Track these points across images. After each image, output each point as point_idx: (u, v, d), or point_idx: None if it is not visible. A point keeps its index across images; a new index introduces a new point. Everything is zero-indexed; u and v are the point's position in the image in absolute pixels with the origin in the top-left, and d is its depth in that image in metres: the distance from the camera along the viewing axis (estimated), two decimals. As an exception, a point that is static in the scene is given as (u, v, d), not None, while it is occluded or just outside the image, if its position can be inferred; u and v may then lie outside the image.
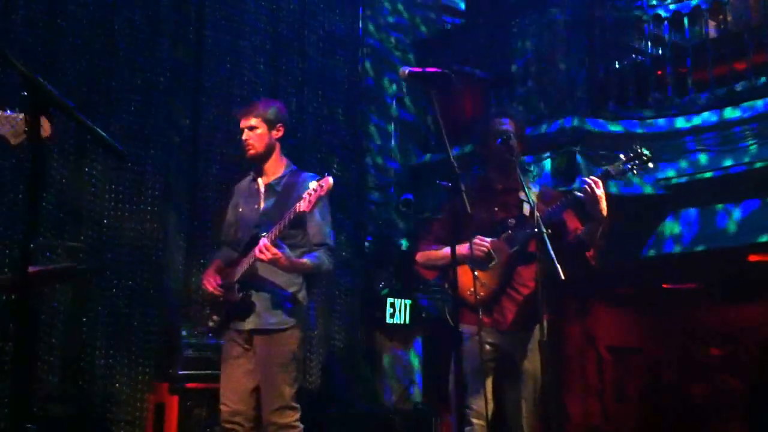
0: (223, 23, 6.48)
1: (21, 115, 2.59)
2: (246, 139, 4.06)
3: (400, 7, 8.21)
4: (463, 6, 8.92)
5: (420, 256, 4.18)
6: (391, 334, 7.30)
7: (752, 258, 6.91)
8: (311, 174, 3.96)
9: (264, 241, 3.68)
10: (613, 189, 6.07)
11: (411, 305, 7.29)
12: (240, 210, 4.15)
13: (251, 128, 4.05)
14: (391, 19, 8.11)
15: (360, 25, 7.59)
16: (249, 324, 3.91)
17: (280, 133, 4.11)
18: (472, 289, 3.83)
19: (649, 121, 6.39)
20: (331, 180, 3.58)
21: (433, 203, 7.28)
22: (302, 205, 3.55)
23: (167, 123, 6.00)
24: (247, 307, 3.90)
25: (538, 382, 3.88)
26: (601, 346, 9.00)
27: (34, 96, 2.14)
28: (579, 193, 3.76)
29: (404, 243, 7.45)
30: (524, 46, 7.09)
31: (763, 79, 5.98)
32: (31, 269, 2.22)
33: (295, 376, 3.91)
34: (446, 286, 4.07)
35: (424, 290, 7.39)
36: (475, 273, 3.79)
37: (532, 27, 7.06)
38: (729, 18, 6.54)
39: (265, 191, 4.08)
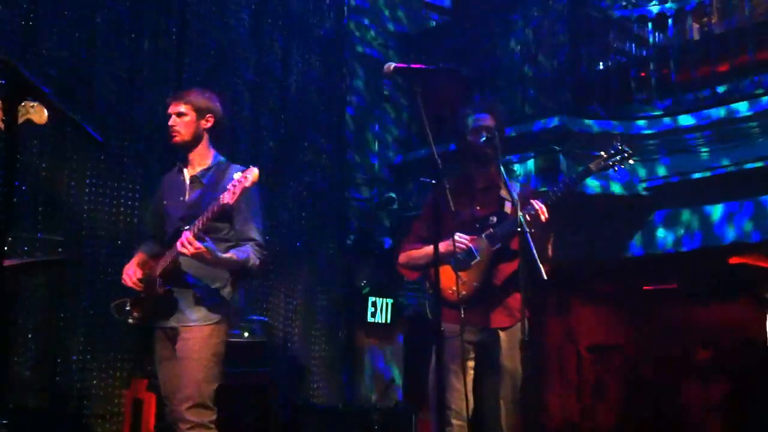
0: (207, 14, 6.43)
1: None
2: (172, 125, 3.91)
3: (383, 3, 8.18)
4: (448, 3, 8.89)
5: (402, 257, 4.16)
6: (372, 333, 7.28)
7: (733, 260, 6.93)
8: (239, 166, 3.81)
9: (186, 234, 3.53)
10: (597, 189, 6.09)
11: (392, 304, 7.27)
12: (165, 202, 3.99)
13: (179, 114, 3.91)
14: (374, 16, 8.07)
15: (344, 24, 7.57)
16: (172, 321, 3.77)
17: (209, 124, 3.96)
18: (453, 288, 3.81)
19: (632, 121, 6.39)
20: (256, 171, 3.45)
21: (415, 201, 7.27)
22: (226, 197, 3.42)
23: (147, 115, 5.94)
24: (170, 303, 3.75)
25: (518, 380, 3.88)
26: (581, 344, 9.03)
27: (11, 82, 2.09)
28: (527, 217, 3.73)
29: (386, 240, 7.42)
30: (508, 45, 7.08)
31: (746, 80, 5.99)
32: (7, 262, 2.17)
33: (214, 374, 3.73)
34: (427, 285, 4.05)
35: (406, 289, 7.38)
36: (457, 271, 3.77)
37: (516, 26, 7.06)
38: (714, 20, 6.55)
39: (190, 183, 3.94)
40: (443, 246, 3.63)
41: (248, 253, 3.76)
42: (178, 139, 3.93)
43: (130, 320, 3.88)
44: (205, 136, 3.98)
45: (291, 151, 6.87)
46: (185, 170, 3.98)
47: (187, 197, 3.91)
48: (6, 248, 2.11)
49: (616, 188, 6.24)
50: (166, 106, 3.99)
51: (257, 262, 3.79)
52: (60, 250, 5.35)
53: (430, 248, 3.54)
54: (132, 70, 5.90)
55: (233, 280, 3.84)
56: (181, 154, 4.00)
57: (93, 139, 2.41)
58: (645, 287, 8.55)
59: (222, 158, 4.03)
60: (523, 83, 6.95)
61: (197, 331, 3.73)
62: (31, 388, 5.18)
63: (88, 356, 5.45)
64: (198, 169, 3.95)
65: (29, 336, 5.21)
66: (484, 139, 3.93)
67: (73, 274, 5.46)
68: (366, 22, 7.95)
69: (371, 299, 7.17)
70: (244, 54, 6.65)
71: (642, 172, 6.29)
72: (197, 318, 3.74)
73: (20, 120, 2.45)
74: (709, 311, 8.11)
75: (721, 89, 6.10)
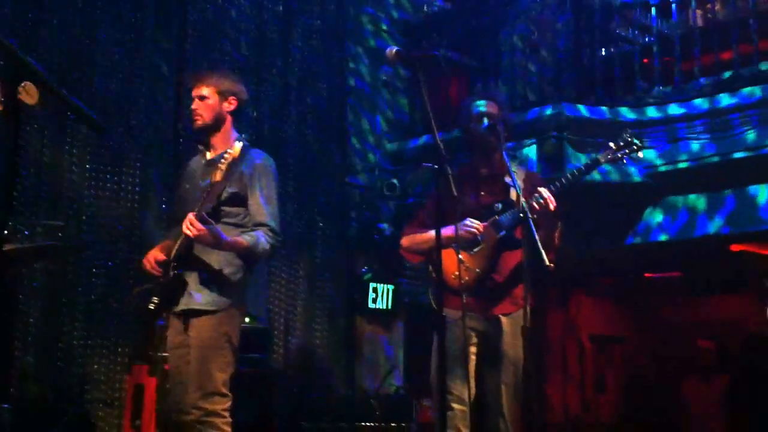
0: (207, 3, 6.41)
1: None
2: (195, 109, 3.84)
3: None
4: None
5: (405, 240, 4.15)
6: (373, 319, 7.28)
7: (734, 248, 6.92)
8: (259, 150, 3.81)
9: (190, 216, 3.47)
10: (598, 177, 6.07)
11: (393, 290, 7.26)
12: (186, 186, 3.93)
13: (202, 98, 3.83)
14: (376, 3, 8.03)
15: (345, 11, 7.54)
16: (182, 305, 3.70)
17: (233, 106, 3.87)
18: (456, 273, 3.80)
19: (634, 108, 6.37)
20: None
21: (417, 188, 7.26)
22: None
23: (149, 102, 5.93)
24: (180, 287, 3.68)
25: (520, 368, 3.87)
26: (582, 334, 9.03)
27: (9, 65, 2.07)
28: (534, 204, 3.72)
29: (387, 227, 7.40)
30: (512, 32, 7.05)
31: (750, 68, 5.97)
32: (7, 247, 2.16)
33: (228, 361, 3.67)
34: (430, 269, 4.04)
35: (407, 275, 7.37)
36: (460, 257, 3.76)
37: (520, 13, 7.03)
38: (717, 7, 6.51)
39: (206, 166, 3.85)
40: (448, 231, 3.62)
41: (258, 238, 3.67)
42: (200, 122, 3.84)
43: (151, 306, 3.75)
44: (228, 119, 3.88)
45: (292, 138, 6.86)
46: (208, 154, 3.91)
47: (203, 180, 3.80)
48: (6, 233, 2.10)
49: (617, 176, 6.22)
50: (189, 89, 3.92)
51: (267, 247, 3.68)
52: (60, 235, 5.34)
53: (433, 232, 3.52)
54: (132, 58, 5.88)
55: (246, 266, 3.77)
56: (203, 137, 3.92)
57: (92, 122, 2.39)
58: (647, 274, 8.54)
59: (245, 142, 3.86)
60: (525, 70, 6.93)
61: (208, 319, 3.66)
62: (33, 373, 5.19)
63: (89, 342, 5.46)
64: (219, 153, 3.82)
65: (30, 321, 5.22)
66: (486, 126, 3.92)
67: (74, 259, 5.46)
68: (368, 9, 7.91)
69: (372, 285, 7.17)
70: (244, 42, 6.62)
71: (644, 160, 6.27)
72: (205, 302, 3.67)
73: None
74: (710, 303, 8.12)
75: (725, 76, 6.07)
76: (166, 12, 6.14)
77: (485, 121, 3.94)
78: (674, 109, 6.23)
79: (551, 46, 6.74)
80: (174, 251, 3.67)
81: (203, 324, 3.66)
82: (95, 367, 5.45)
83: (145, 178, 5.84)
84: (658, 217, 6.46)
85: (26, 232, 5.14)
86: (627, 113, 6.35)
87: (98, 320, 5.50)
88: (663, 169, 6.23)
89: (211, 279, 3.68)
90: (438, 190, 3.32)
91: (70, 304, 5.41)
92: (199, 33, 6.32)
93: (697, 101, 6.12)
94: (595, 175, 6.00)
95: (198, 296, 3.67)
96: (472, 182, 4.04)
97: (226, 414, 3.63)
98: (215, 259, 3.69)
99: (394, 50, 3.42)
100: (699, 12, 6.77)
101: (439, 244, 3.26)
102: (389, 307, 7.24)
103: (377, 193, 7.48)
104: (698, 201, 6.26)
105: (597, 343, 9.10)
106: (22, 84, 2.01)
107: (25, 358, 5.17)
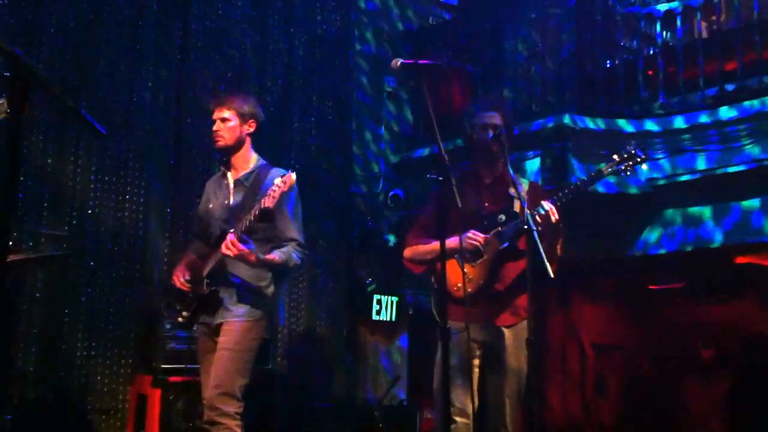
0: (210, 12, 6.42)
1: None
2: (216, 130, 4.06)
3: (389, 1, 8.15)
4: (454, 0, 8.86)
5: (408, 251, 4.15)
6: (376, 330, 7.26)
7: (739, 260, 6.90)
8: (279, 169, 4.00)
9: (231, 237, 3.69)
10: (601, 188, 6.06)
11: (397, 302, 7.25)
12: (210, 205, 4.14)
13: (223, 120, 4.06)
14: (379, 14, 8.04)
15: (349, 17, 7.55)
16: (217, 317, 3.91)
17: (252, 128, 4.12)
18: (458, 284, 3.80)
19: (638, 120, 6.36)
20: (293, 176, 3.61)
21: (421, 199, 7.24)
22: (267, 201, 3.57)
23: (152, 111, 5.94)
24: (216, 302, 3.90)
25: (523, 379, 3.86)
26: (584, 340, 9.01)
27: (15, 74, 2.07)
28: (537, 218, 3.73)
29: (391, 238, 7.40)
30: (515, 41, 7.06)
31: (754, 79, 5.96)
32: (11, 257, 2.15)
33: (247, 369, 3.87)
34: (432, 280, 4.03)
35: (411, 286, 7.35)
36: (464, 269, 3.75)
37: (523, 23, 7.03)
38: (722, 17, 6.51)
39: (234, 186, 4.08)
40: (451, 242, 3.62)
41: (289, 254, 3.91)
42: (221, 143, 4.08)
43: (180, 319, 4.04)
44: (248, 141, 4.14)
45: (294, 147, 6.86)
46: (228, 174, 4.13)
47: (231, 201, 4.06)
48: (11, 243, 2.09)
49: (621, 187, 6.21)
50: (210, 112, 4.13)
51: (298, 261, 3.95)
52: (65, 245, 5.34)
53: (437, 243, 3.52)
54: (135, 67, 5.88)
55: (276, 279, 3.99)
56: (224, 158, 4.15)
57: (96, 131, 2.40)
58: (651, 286, 8.53)
59: (263, 161, 4.17)
60: (529, 80, 6.93)
61: (238, 325, 3.86)
62: (35, 383, 5.17)
63: (92, 351, 5.44)
64: (241, 173, 4.10)
65: (34, 331, 5.21)
66: (491, 136, 3.92)
67: (78, 269, 5.45)
68: (371, 19, 7.92)
69: (376, 297, 7.16)
70: (247, 51, 6.63)
71: (648, 170, 6.26)
72: (241, 313, 3.88)
73: (3, 114, 2.44)
74: (712, 310, 8.09)
75: (729, 87, 6.06)
76: (168, 19, 6.14)
77: (490, 131, 3.94)
78: (678, 121, 6.22)
79: (555, 56, 6.74)
80: (208, 268, 3.91)
81: (234, 328, 3.87)
82: (98, 377, 5.44)
83: (148, 186, 5.83)
84: (661, 228, 6.44)
85: (30, 243, 5.15)
86: (630, 125, 6.34)
87: (101, 330, 5.48)
88: (663, 181, 6.22)
89: (246, 293, 3.91)
90: (441, 199, 3.32)
91: (72, 313, 5.39)
92: (201, 39, 6.32)
93: (702, 113, 6.11)
94: (598, 186, 6.03)
95: (234, 309, 3.89)
96: (475, 191, 4.03)
97: (238, 417, 3.80)
98: (248, 273, 3.91)
99: (399, 61, 3.44)
100: (704, 23, 6.78)
101: (444, 255, 3.25)
102: (393, 318, 7.22)
103: (381, 203, 7.48)
104: (702, 212, 6.25)
105: (598, 349, 9.07)
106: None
107: (27, 366, 5.16)
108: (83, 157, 5.55)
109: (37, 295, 5.26)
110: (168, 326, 5.32)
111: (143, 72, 5.93)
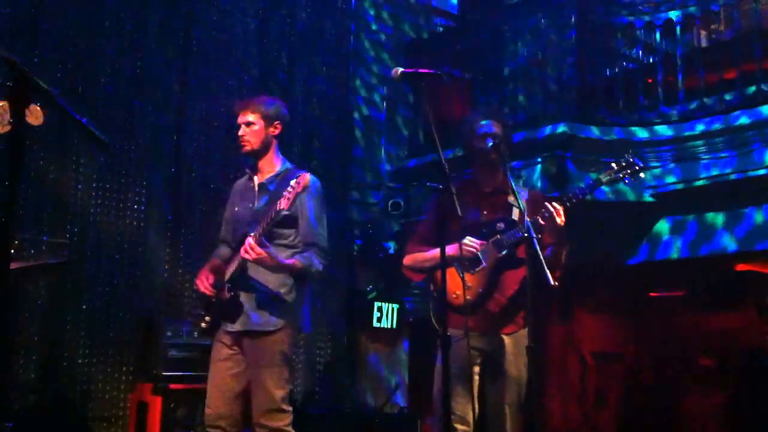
0: (212, 23, 6.45)
1: (4, 104, 2.54)
2: (242, 135, 4.00)
3: (386, 13, 8.19)
4: (455, 9, 8.90)
5: (407, 259, 4.15)
6: (377, 338, 7.27)
7: (740, 267, 6.91)
8: (305, 171, 3.89)
9: (249, 240, 3.64)
10: (602, 196, 6.07)
11: (398, 309, 7.25)
12: (236, 209, 4.10)
13: (248, 124, 3.99)
14: (381, 25, 8.08)
15: (349, 30, 7.59)
16: (238, 325, 3.85)
17: (278, 131, 4.05)
18: (457, 292, 3.81)
19: (638, 127, 6.38)
20: (308, 176, 3.56)
21: (421, 207, 7.26)
22: (282, 203, 3.51)
23: (152, 120, 5.96)
24: (236, 308, 3.84)
25: (523, 387, 3.86)
26: (585, 351, 9.00)
27: (18, 84, 2.09)
28: (541, 221, 3.73)
29: (392, 246, 7.41)
30: (515, 50, 7.07)
31: (752, 88, 5.98)
32: (13, 265, 2.17)
33: (286, 378, 3.84)
34: (432, 288, 4.04)
35: (412, 294, 7.36)
36: (463, 276, 3.76)
37: (523, 31, 7.05)
38: (722, 27, 6.53)
39: (258, 190, 4.02)
40: (450, 250, 3.63)
41: (311, 259, 3.86)
42: (248, 148, 4.02)
43: (203, 324, 3.98)
44: (274, 143, 4.07)
45: (297, 156, 6.88)
46: (255, 178, 4.07)
47: (255, 204, 3.99)
48: (12, 251, 2.11)
49: (621, 195, 6.22)
50: (235, 115, 4.06)
51: (320, 267, 3.90)
52: (66, 253, 5.35)
53: (436, 251, 3.53)
54: (135, 76, 5.91)
55: (298, 285, 3.92)
56: (250, 161, 4.09)
57: (99, 141, 2.41)
58: (652, 294, 8.53)
59: (289, 164, 4.11)
60: (530, 89, 6.94)
61: (263, 339, 3.81)
62: (36, 390, 5.18)
63: (93, 359, 5.45)
64: (267, 176, 4.04)
65: (35, 338, 5.22)
66: (490, 145, 3.93)
67: (78, 277, 5.46)
68: (371, 28, 7.95)
69: (377, 304, 7.16)
70: (248, 61, 6.66)
71: (648, 179, 6.27)
72: (262, 322, 3.82)
73: (8, 126, 2.46)
74: (712, 319, 8.08)
75: (728, 97, 6.08)
76: (170, 29, 6.17)
77: (489, 140, 3.95)
78: (677, 128, 6.23)
79: (555, 64, 6.75)
80: (229, 273, 3.85)
81: (259, 344, 3.81)
82: (99, 384, 5.45)
83: (149, 194, 5.85)
84: (660, 236, 6.45)
85: (32, 251, 5.17)
86: (631, 132, 6.36)
87: (101, 337, 5.50)
88: (666, 188, 6.23)
89: (266, 299, 3.84)
90: (441, 208, 3.32)
91: (73, 320, 5.41)
92: (204, 50, 6.35)
93: (702, 120, 6.12)
94: (598, 194, 6.04)
95: (255, 317, 3.83)
96: (474, 199, 4.04)
97: (289, 429, 3.79)
98: (269, 279, 3.85)
99: (399, 70, 3.46)
100: (703, 32, 6.79)
101: (444, 263, 3.26)
102: (394, 325, 7.22)
103: (381, 210, 7.49)
104: (702, 220, 6.25)
105: (598, 359, 9.06)
106: (29, 106, 2.03)
107: (28, 374, 5.17)
108: (84, 165, 5.58)
109: (39, 302, 5.27)
110: (169, 334, 5.34)
111: (144, 81, 5.95)
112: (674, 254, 6.36)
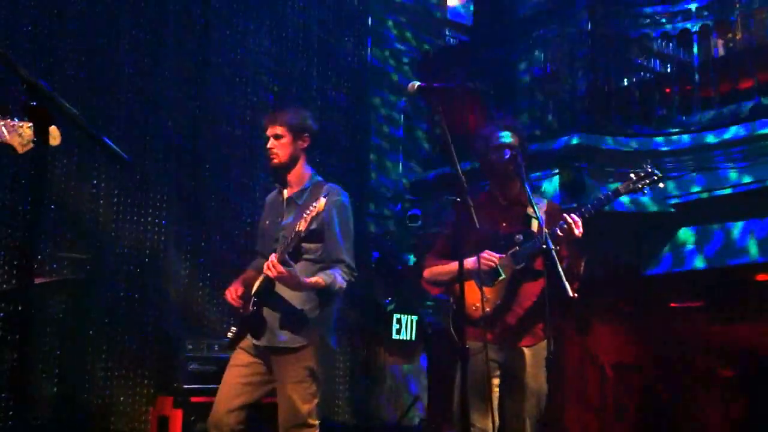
0: (228, 40, 6.50)
1: (28, 123, 2.57)
2: (270, 148, 3.96)
3: (402, 27, 8.23)
4: (469, 22, 8.92)
5: (427, 273, 4.14)
6: (395, 350, 7.26)
7: (760, 278, 6.86)
8: (333, 185, 3.93)
9: (272, 257, 3.61)
10: (620, 207, 6.06)
11: (417, 321, 7.24)
12: (266, 222, 4.09)
13: (277, 137, 3.96)
14: (397, 34, 8.11)
15: (366, 50, 7.61)
16: (263, 341, 3.84)
17: (306, 144, 4.01)
18: (476, 305, 3.80)
19: (655, 138, 6.37)
20: (323, 201, 3.52)
21: (438, 218, 7.27)
22: (300, 225, 3.50)
23: (170, 137, 6.00)
24: (259, 322, 3.82)
25: (543, 399, 3.85)
26: (604, 362, 8.95)
27: (39, 104, 2.12)
28: (559, 232, 3.72)
29: (411, 258, 7.41)
30: (530, 62, 7.09)
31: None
32: (35, 280, 2.20)
33: (311, 392, 3.80)
34: (451, 300, 4.04)
35: (428, 306, 7.36)
36: (482, 288, 3.75)
37: (538, 43, 7.06)
38: (738, 36, 6.51)
39: (287, 204, 4.00)
40: (469, 263, 3.63)
41: (334, 277, 3.79)
42: (276, 161, 3.97)
43: (229, 334, 3.97)
44: (302, 157, 4.03)
45: (315, 166, 6.89)
46: (284, 191, 4.04)
47: (283, 220, 3.96)
48: (34, 266, 2.14)
49: (639, 206, 6.20)
50: (264, 129, 4.03)
51: (344, 284, 3.82)
52: (88, 267, 5.39)
53: (455, 264, 3.53)
54: (154, 91, 5.95)
55: (324, 302, 3.86)
56: (280, 175, 4.04)
57: (119, 158, 2.43)
58: (672, 304, 8.48)
59: (319, 177, 4.09)
60: (545, 100, 6.94)
61: (289, 356, 3.80)
62: (56, 405, 5.20)
63: (114, 373, 5.47)
64: (296, 190, 4.00)
65: (56, 353, 5.25)
66: (507, 156, 3.93)
67: (99, 291, 5.50)
68: (386, 42, 7.99)
69: (396, 316, 7.16)
70: (264, 76, 6.70)
71: (666, 189, 6.25)
72: (287, 339, 3.80)
73: (30, 145, 2.49)
74: (732, 330, 8.02)
75: (745, 106, 6.06)
76: (186, 44, 6.21)
77: (506, 151, 3.95)
78: (695, 139, 6.21)
79: (570, 75, 6.76)
80: (256, 286, 3.83)
81: (285, 361, 3.81)
82: (121, 398, 5.46)
83: (168, 209, 5.89)
84: (679, 246, 6.42)
85: (54, 265, 5.21)
86: (647, 143, 6.34)
87: (122, 351, 5.52)
88: (685, 198, 6.21)
89: (292, 316, 3.81)
90: (458, 220, 3.33)
91: (93, 334, 5.43)
92: (219, 67, 6.39)
93: (717, 130, 6.10)
94: (616, 205, 6.03)
95: (280, 335, 3.81)
96: (492, 212, 4.03)
97: None
98: (294, 296, 3.81)
99: (416, 85, 3.47)
100: (720, 41, 6.78)
101: (462, 276, 3.26)
102: (413, 337, 7.21)
103: (399, 222, 7.50)
104: (721, 230, 6.22)
105: (616, 370, 9.01)
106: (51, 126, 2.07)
107: (49, 388, 5.19)
108: (104, 181, 5.61)
109: (60, 316, 5.30)
110: (189, 347, 5.35)
111: (162, 96, 6.00)
112: (692, 266, 6.33)
